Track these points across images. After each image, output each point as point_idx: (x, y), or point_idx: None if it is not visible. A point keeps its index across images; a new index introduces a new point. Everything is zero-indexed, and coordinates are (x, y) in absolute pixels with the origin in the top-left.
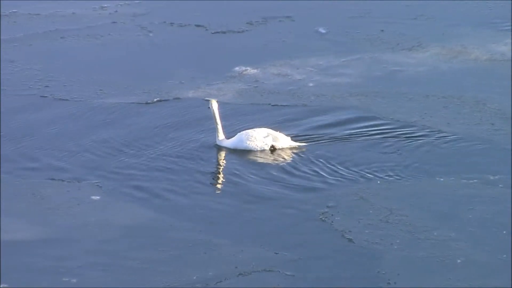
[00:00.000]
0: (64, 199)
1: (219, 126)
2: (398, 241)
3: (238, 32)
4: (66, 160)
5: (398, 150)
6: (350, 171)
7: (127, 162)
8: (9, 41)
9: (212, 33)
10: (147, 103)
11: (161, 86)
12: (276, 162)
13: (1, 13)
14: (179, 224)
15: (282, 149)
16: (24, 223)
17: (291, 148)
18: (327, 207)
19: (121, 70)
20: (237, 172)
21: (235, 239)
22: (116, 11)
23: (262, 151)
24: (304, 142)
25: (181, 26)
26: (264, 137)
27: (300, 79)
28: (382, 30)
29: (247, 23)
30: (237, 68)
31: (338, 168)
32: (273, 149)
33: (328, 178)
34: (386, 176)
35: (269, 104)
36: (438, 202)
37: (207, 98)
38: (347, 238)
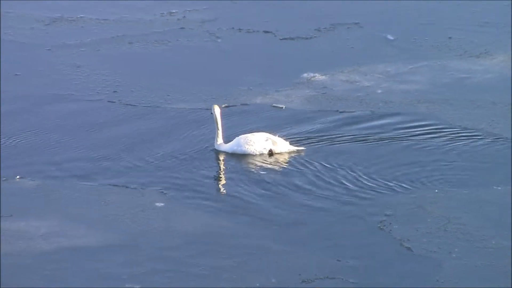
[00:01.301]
0: (128, 205)
1: (220, 131)
2: (456, 249)
3: (306, 38)
4: (131, 166)
5: (460, 158)
6: (408, 179)
7: (192, 169)
8: (77, 46)
9: (281, 39)
10: None
11: (229, 92)
12: (319, 169)
13: (68, 18)
14: (241, 230)
15: (280, 153)
16: (88, 229)
17: (289, 152)
18: (385, 215)
19: (189, 76)
20: (296, 181)
21: (297, 246)
22: (184, 16)
23: (261, 155)
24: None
25: (249, 32)
26: (263, 141)
27: (368, 86)
28: (450, 37)
29: (315, 29)
30: (305, 75)
31: (395, 175)
32: (271, 153)
33: (386, 185)
34: (445, 184)
35: (337, 110)
36: (496, 210)
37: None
38: (406, 247)
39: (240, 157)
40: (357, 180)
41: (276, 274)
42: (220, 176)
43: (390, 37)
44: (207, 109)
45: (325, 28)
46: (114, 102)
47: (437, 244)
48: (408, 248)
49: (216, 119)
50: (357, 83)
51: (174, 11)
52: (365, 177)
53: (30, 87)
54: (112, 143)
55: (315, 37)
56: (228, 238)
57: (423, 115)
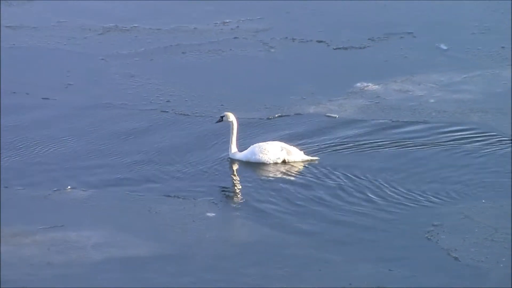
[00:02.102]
0: (180, 215)
1: (234, 139)
2: (503, 259)
3: (360, 48)
4: (183, 176)
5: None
6: (456, 189)
7: (244, 180)
8: (130, 55)
9: (334, 48)
10: (268, 118)
11: (283, 102)
12: (364, 178)
13: (122, 28)
14: (293, 240)
15: (294, 162)
16: (139, 239)
17: (303, 162)
18: (433, 225)
19: (242, 86)
20: (341, 191)
21: (348, 256)
22: (238, 26)
23: (275, 164)
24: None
25: (302, 42)
26: (277, 151)
27: (421, 95)
28: (503, 47)
29: (368, 39)
30: (358, 84)
31: (443, 185)
32: (285, 162)
33: (433, 195)
34: (492, 194)
35: (390, 120)
36: None
37: (223, 114)
38: (453, 257)
39: (260, 166)
40: (404, 189)
41: (327, 284)
42: (269, 187)
43: (443, 46)
44: (260, 118)
45: (378, 37)
46: (167, 111)
47: (485, 254)
48: (456, 258)
49: (232, 127)
50: (410, 93)
51: (228, 21)
52: (412, 186)
53: (83, 96)
54: (165, 152)
55: (368, 46)
56: (280, 248)
57: (476, 124)
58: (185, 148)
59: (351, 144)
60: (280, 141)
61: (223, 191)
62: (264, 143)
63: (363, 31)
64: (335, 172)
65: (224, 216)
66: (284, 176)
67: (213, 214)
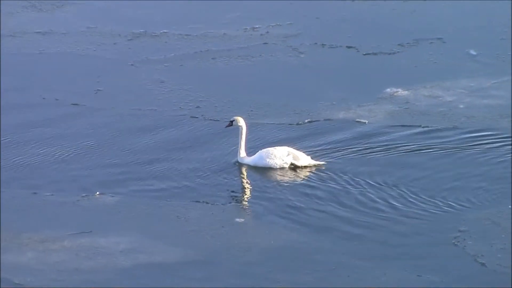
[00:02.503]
0: (208, 221)
1: (243, 143)
2: None
3: (389, 53)
4: (212, 183)
5: None
6: (482, 194)
7: (270, 186)
8: (160, 61)
9: (363, 54)
10: (298, 124)
11: (312, 107)
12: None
13: (152, 33)
14: (321, 246)
15: (302, 167)
16: (167, 245)
17: (311, 167)
18: (459, 231)
19: (272, 91)
20: (364, 197)
21: (376, 261)
22: (268, 32)
23: (282, 169)
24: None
25: (332, 47)
26: (284, 155)
27: (450, 101)
28: None
29: (398, 44)
30: (388, 90)
31: (469, 190)
32: (292, 167)
33: (459, 200)
34: None
35: (420, 125)
36: None
37: (233, 118)
38: (480, 262)
39: (275, 171)
40: (429, 194)
41: None
42: (297, 192)
43: (472, 52)
44: (290, 124)
45: (408, 43)
46: (197, 117)
47: None
48: (483, 264)
49: (241, 131)
50: (440, 98)
51: (257, 26)
52: (438, 192)
53: (113, 102)
54: (194, 159)
55: (398, 52)
56: (308, 253)
57: (505, 130)
58: (214, 154)
59: (378, 149)
60: (302, 146)
61: (250, 196)
62: (271, 148)
63: (393, 36)
64: (357, 178)
65: (252, 221)
66: (305, 181)
67: (242, 220)
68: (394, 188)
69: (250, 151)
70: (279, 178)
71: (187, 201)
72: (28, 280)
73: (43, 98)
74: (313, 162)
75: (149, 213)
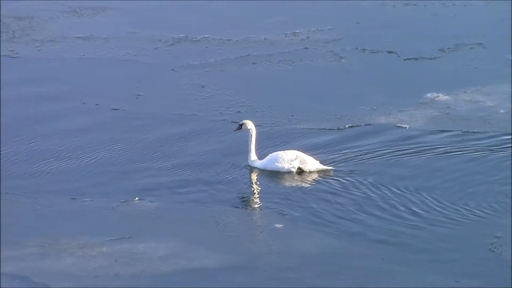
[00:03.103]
0: (247, 227)
1: (253, 147)
2: None
3: (430, 58)
4: (251, 188)
5: None
6: None
7: (314, 190)
8: (201, 66)
9: (404, 59)
10: (338, 129)
11: (353, 112)
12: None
13: (192, 38)
14: (359, 251)
15: (310, 171)
16: (206, 251)
17: (319, 171)
18: (495, 237)
19: (313, 96)
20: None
21: (414, 266)
22: (308, 37)
23: (289, 173)
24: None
25: (372, 52)
26: (292, 160)
27: (491, 106)
28: None
29: (439, 49)
30: (428, 95)
31: (505, 196)
32: (300, 171)
33: (495, 206)
34: None
35: (460, 130)
36: None
37: (242, 122)
38: None
39: (303, 176)
40: (464, 200)
41: None
42: (332, 197)
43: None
44: (331, 129)
45: (448, 48)
46: (237, 122)
47: None
48: None
49: (251, 135)
50: (480, 103)
51: (298, 31)
52: (473, 197)
53: (153, 107)
54: (234, 164)
55: (438, 57)
56: (347, 259)
57: None
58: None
59: (416, 153)
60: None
61: (289, 202)
62: (281, 151)
63: (433, 41)
64: (393, 182)
65: (291, 227)
66: (339, 186)
67: (281, 225)
68: (429, 192)
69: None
70: (314, 183)
71: (226, 207)
72: (67, 286)
73: (83, 103)
74: (321, 166)
75: (188, 218)
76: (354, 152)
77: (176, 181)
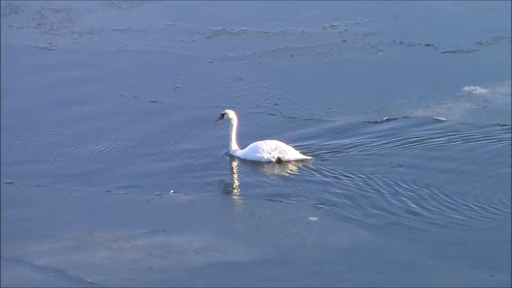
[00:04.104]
0: (282, 220)
1: (233, 136)
2: None
3: (468, 51)
4: (286, 181)
5: None
6: None
7: (350, 184)
8: (239, 58)
9: (442, 52)
10: (376, 121)
11: (390, 105)
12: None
13: (230, 31)
14: (393, 245)
15: (289, 161)
16: (241, 244)
17: (297, 161)
18: None
19: (350, 89)
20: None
21: (449, 261)
22: (346, 29)
23: (269, 162)
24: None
25: (410, 45)
26: (273, 150)
27: None
28: None
29: (476, 42)
30: (466, 88)
31: None
32: (279, 161)
33: None
34: None
35: (498, 123)
36: None
37: (224, 111)
38: None
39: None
40: (500, 193)
41: None
42: (368, 191)
43: None
44: (369, 121)
45: (486, 41)
46: (275, 114)
47: None
48: None
49: (232, 124)
50: None
51: (336, 24)
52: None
53: (191, 99)
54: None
55: (476, 50)
56: (381, 253)
57: None
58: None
59: (452, 146)
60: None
61: (324, 194)
62: (261, 141)
63: (471, 34)
64: (430, 174)
65: (327, 220)
66: (374, 178)
67: (316, 219)
68: (467, 186)
69: (327, 151)
70: (347, 177)
71: (261, 200)
72: (101, 279)
73: (121, 96)
74: (301, 156)
75: (223, 211)
76: (390, 144)
77: (211, 174)
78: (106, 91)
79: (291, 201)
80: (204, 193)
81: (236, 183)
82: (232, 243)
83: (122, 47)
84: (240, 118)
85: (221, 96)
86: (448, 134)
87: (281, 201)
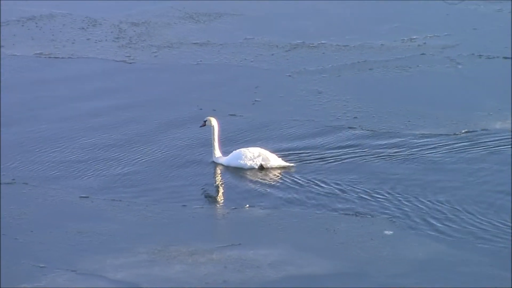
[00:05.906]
0: (357, 233)
1: (216, 144)
2: None
3: None
4: (361, 193)
5: None
6: None
7: (418, 197)
8: (318, 72)
9: None
10: (455, 134)
11: (469, 117)
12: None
13: (309, 44)
14: (468, 257)
15: (271, 168)
16: (316, 258)
17: (280, 168)
18: None
19: (429, 102)
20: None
21: None
22: (425, 43)
23: (251, 169)
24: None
25: (489, 58)
26: (255, 157)
27: None
28: None
29: None
30: None
31: None
32: (261, 168)
33: None
34: None
35: None
36: None
37: (206, 118)
38: None
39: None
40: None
41: None
42: (443, 204)
43: None
44: (447, 134)
45: None
46: (355, 128)
47: None
48: None
49: (213, 132)
50: None
51: (414, 37)
52: None
53: (270, 113)
54: (348, 170)
55: None
56: (456, 265)
57: None
58: (371, 167)
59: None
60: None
61: (398, 207)
62: (244, 148)
63: None
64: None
65: (402, 233)
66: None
67: (391, 232)
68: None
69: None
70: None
71: (337, 214)
72: None
73: (200, 109)
74: (284, 163)
75: (298, 225)
76: (468, 155)
77: (286, 188)
78: (185, 104)
79: (366, 215)
80: (279, 207)
81: (312, 196)
82: (307, 257)
83: (200, 61)
84: (317, 133)
85: (300, 110)
86: None
87: (356, 215)
